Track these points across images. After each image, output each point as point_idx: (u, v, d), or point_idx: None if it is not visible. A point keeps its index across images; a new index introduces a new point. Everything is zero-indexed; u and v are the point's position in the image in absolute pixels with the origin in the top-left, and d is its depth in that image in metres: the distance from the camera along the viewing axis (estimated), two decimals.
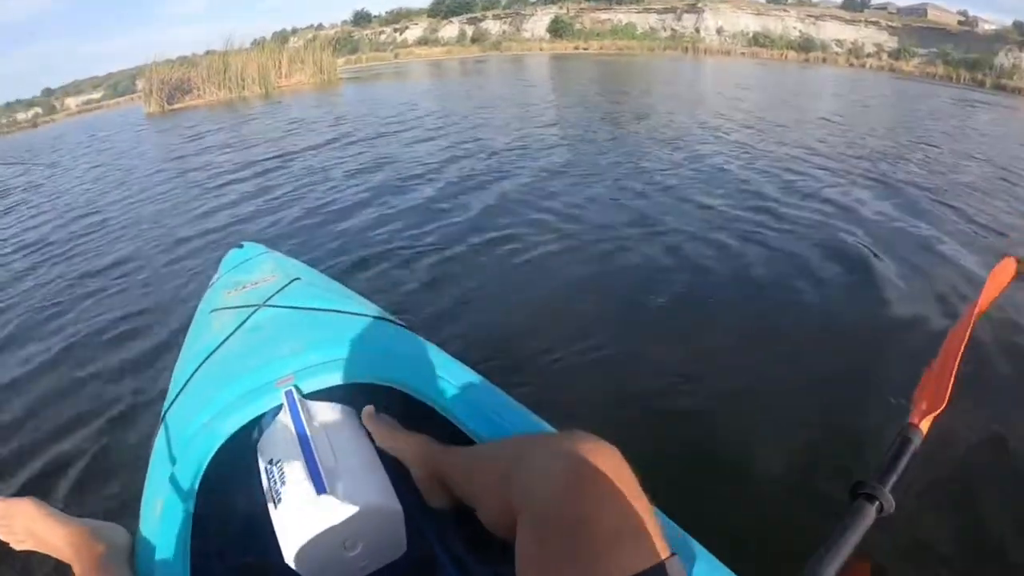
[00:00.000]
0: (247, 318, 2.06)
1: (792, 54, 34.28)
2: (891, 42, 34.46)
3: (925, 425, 1.76)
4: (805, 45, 34.94)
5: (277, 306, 2.13)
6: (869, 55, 33.58)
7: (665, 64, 29.50)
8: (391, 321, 2.15)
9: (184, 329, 2.36)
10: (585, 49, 36.89)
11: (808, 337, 3.37)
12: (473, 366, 1.87)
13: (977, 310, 2.28)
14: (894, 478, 1.60)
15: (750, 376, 3.00)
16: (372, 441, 1.62)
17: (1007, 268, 2.66)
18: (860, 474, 1.61)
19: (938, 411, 1.80)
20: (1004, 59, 29.08)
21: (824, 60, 33.32)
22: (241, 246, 2.98)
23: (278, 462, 1.41)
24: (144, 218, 6.72)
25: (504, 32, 40.69)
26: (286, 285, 2.29)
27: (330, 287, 2.51)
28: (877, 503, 1.53)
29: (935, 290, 4.22)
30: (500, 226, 5.00)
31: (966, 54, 30.46)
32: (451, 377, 1.75)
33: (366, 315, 2.10)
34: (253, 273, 2.54)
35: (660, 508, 1.32)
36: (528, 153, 8.35)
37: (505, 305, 3.74)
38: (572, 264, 4.31)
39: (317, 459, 1.34)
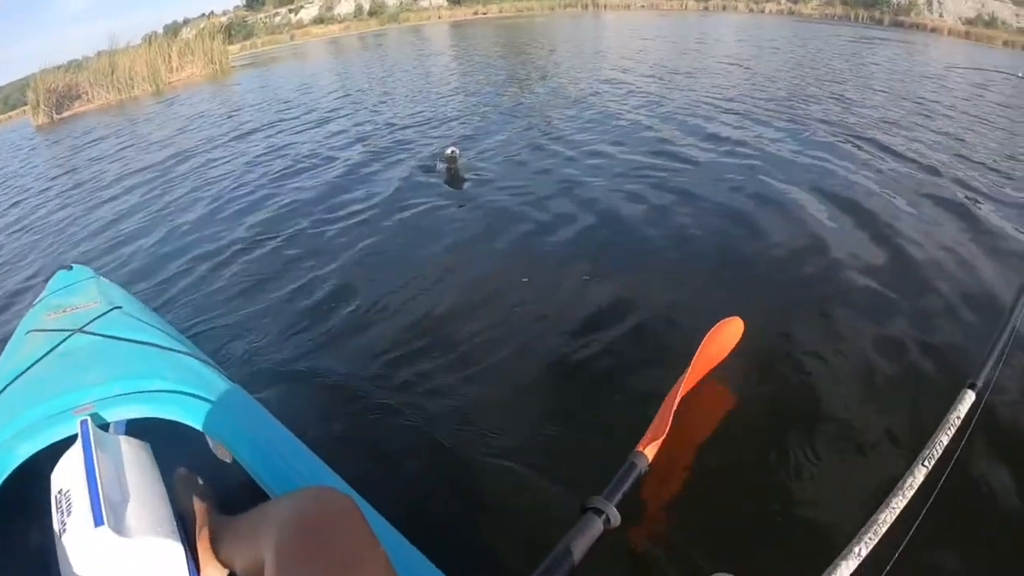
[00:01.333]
0: (60, 343, 2.04)
1: (692, 3, 34.40)
2: None
3: (650, 452, 2.10)
4: None
5: (92, 333, 2.11)
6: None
7: (566, 22, 29.79)
8: (202, 360, 2.19)
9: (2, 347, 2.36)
10: (484, 13, 36.82)
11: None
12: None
13: (697, 360, 2.57)
14: (620, 496, 1.87)
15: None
16: (164, 476, 1.64)
17: (733, 328, 2.90)
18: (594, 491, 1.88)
19: (659, 440, 2.12)
20: None
21: (724, 8, 33.58)
22: (70, 268, 2.98)
23: (67, 492, 1.37)
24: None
25: (402, 3, 39.99)
26: (105, 313, 2.30)
27: (149, 319, 2.50)
28: (604, 516, 1.78)
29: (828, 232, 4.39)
30: (374, 245, 4.64)
31: None
32: (250, 423, 1.85)
33: (178, 351, 2.14)
34: (76, 297, 2.55)
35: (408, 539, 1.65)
36: (424, 131, 8.22)
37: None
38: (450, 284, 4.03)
39: (100, 491, 1.32)
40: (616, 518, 1.80)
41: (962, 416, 1.98)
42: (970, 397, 2.06)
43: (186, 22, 42.96)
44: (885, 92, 9.83)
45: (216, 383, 1.94)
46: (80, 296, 2.52)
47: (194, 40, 24.88)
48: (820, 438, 2.52)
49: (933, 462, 1.82)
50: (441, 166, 5.91)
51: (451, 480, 2.41)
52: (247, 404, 1.96)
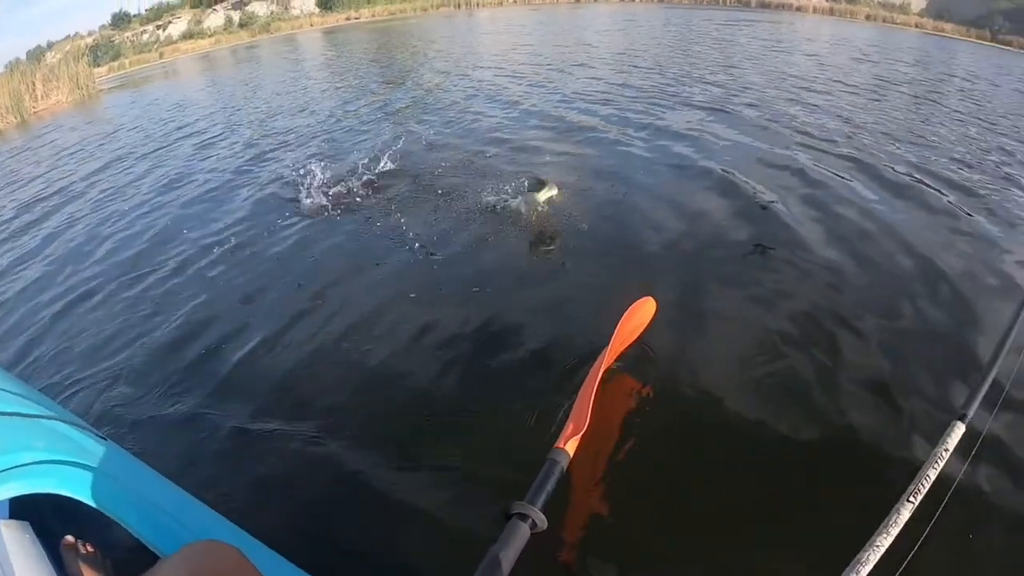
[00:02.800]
0: None
1: None
2: None
3: (571, 447, 2.06)
4: None
5: None
6: None
7: (441, 22, 29.65)
8: (73, 424, 2.02)
9: None
10: (357, 18, 36.37)
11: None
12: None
13: (613, 345, 2.60)
14: (544, 497, 1.85)
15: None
16: (49, 557, 1.54)
17: (646, 308, 2.96)
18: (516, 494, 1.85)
19: (580, 433, 2.09)
20: None
21: None
22: None
23: None
24: None
25: (272, 13, 39.15)
26: None
27: (10, 386, 2.29)
28: (530, 520, 1.76)
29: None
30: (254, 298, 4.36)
31: None
32: (131, 483, 1.78)
33: (46, 418, 1.98)
34: None
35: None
36: (329, 140, 8.21)
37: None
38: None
39: None
40: (542, 521, 1.78)
41: (951, 449, 1.93)
42: (960, 429, 2.00)
43: (50, 46, 41.17)
44: (770, 70, 10.52)
45: (91, 447, 1.86)
46: None
47: (58, 65, 23.93)
48: (741, 418, 2.64)
49: (920, 497, 1.77)
50: (529, 200, 4.80)
51: (359, 504, 2.39)
52: (126, 463, 1.91)
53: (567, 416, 2.29)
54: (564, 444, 2.06)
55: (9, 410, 1.94)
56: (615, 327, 2.64)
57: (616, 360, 2.80)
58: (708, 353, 3.11)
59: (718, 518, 2.18)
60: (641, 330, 2.97)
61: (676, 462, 2.44)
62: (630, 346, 2.94)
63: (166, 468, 2.12)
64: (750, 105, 7.99)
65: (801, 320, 3.35)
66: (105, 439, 2.03)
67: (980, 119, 8.41)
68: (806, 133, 6.73)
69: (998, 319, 3.19)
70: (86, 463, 1.71)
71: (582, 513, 2.25)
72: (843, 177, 5.31)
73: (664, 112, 7.72)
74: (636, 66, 11.46)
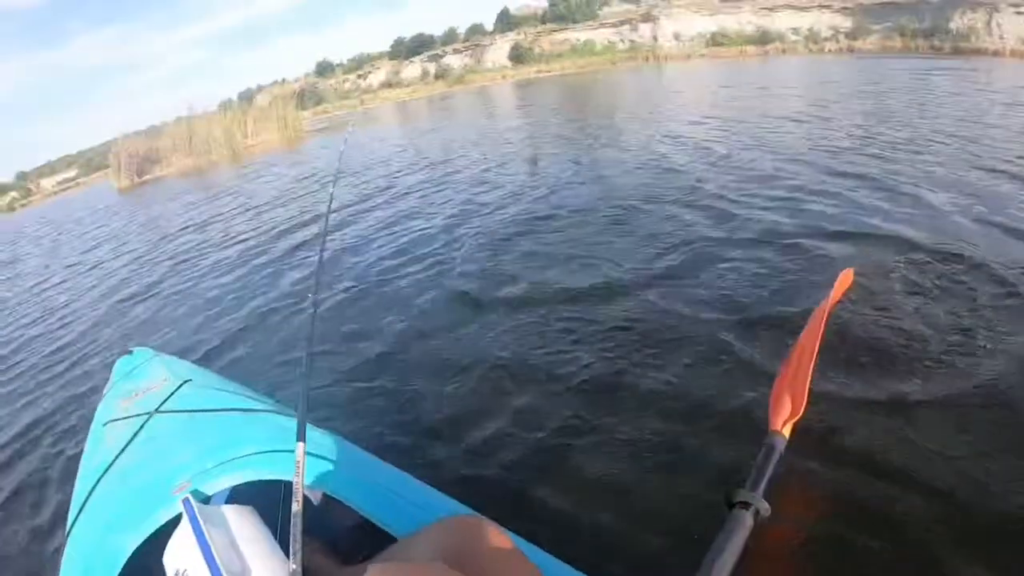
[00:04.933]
0: (140, 427, 2.03)
1: (751, 49, 34.35)
2: (846, 23, 34.51)
3: (787, 430, 1.99)
4: (762, 38, 35.03)
5: (170, 411, 2.12)
6: (827, 39, 33.70)
7: (628, 76, 29.35)
8: (287, 415, 2.15)
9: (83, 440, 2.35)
10: (547, 72, 36.78)
11: None
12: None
13: (824, 317, 2.54)
14: (764, 483, 1.78)
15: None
16: (276, 537, 1.55)
17: (847, 279, 3.02)
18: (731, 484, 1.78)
19: (798, 416, 2.02)
20: (959, 22, 29.18)
21: (784, 51, 33.43)
22: (130, 352, 2.97)
23: (184, 572, 1.32)
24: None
25: (466, 65, 40.32)
26: (177, 389, 2.28)
27: (222, 386, 2.51)
28: (753, 509, 1.68)
29: None
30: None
31: (921, 23, 30.56)
32: (353, 466, 1.85)
33: (260, 410, 2.16)
34: (144, 380, 2.54)
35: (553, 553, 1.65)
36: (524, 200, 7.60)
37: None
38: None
39: (220, 566, 1.26)
40: (765, 509, 1.70)
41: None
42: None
43: (260, 89, 44.20)
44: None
45: (307, 435, 1.86)
46: (148, 378, 2.53)
47: (268, 107, 25.64)
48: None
49: None
50: None
51: (575, 486, 2.42)
52: (345, 448, 1.95)
53: (779, 395, 2.16)
54: (780, 427, 2.00)
55: (225, 407, 2.13)
56: (821, 301, 2.65)
57: (819, 335, 2.53)
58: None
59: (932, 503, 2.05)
60: (835, 302, 2.89)
61: (904, 449, 2.30)
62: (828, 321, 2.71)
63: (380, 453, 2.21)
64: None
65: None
66: (321, 427, 2.13)
67: None
68: None
69: None
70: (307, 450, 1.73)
71: (806, 497, 2.16)
72: None
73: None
74: (864, 123, 9.87)
